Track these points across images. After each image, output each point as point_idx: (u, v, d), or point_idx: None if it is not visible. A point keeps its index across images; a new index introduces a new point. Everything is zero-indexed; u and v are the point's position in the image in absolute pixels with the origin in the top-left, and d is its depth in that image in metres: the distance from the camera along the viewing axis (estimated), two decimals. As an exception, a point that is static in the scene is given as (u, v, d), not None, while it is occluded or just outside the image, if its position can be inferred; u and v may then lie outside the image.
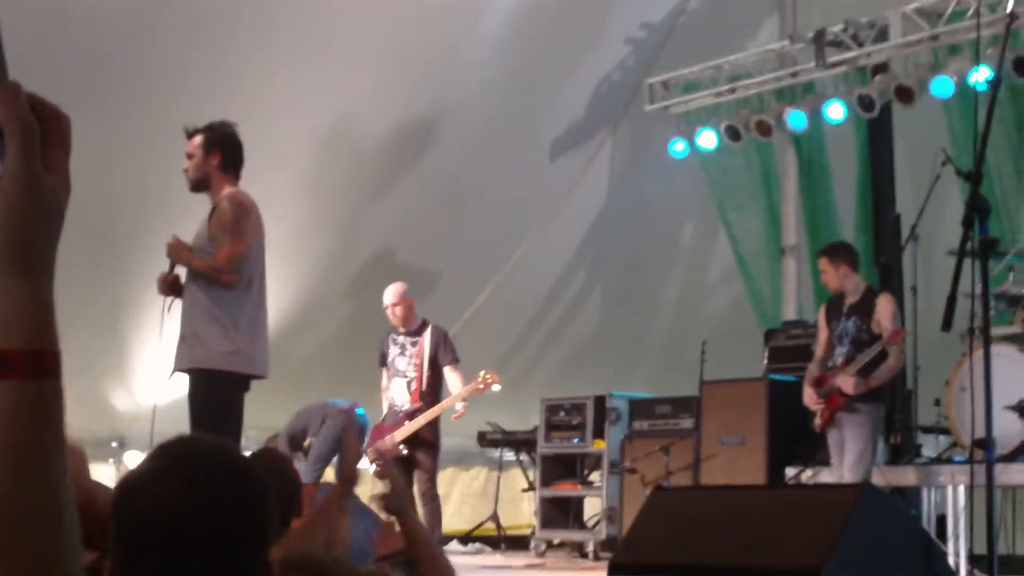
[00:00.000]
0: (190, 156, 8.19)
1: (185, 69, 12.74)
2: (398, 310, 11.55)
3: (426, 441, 11.36)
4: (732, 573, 6.37)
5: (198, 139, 8.19)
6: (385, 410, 11.79)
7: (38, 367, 1.31)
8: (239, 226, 7.94)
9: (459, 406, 11.44)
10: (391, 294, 11.62)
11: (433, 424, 11.38)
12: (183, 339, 8.02)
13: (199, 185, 8.20)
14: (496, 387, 11.63)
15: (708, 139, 15.26)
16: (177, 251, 8.07)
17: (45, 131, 1.36)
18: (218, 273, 7.86)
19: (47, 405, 1.31)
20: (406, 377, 11.54)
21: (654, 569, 6.72)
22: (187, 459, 2.42)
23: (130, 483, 2.42)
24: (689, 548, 6.64)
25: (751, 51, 15.37)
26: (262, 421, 13.47)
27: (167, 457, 2.44)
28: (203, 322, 7.90)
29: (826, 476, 11.08)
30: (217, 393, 7.91)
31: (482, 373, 11.62)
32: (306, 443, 13.01)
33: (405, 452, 11.30)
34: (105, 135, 11.93)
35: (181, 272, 8.22)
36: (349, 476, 4.85)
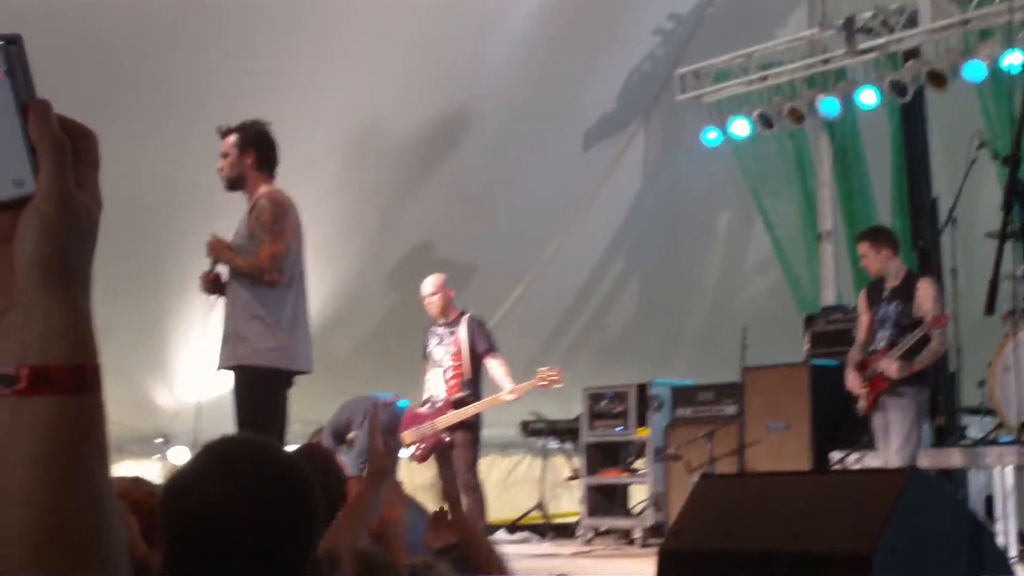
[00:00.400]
0: (224, 155, 8.24)
1: (215, 71, 12.79)
2: (435, 299, 11.55)
3: (466, 427, 11.37)
4: (781, 560, 6.40)
5: (232, 138, 8.22)
6: (424, 401, 11.82)
7: (78, 382, 1.32)
8: (279, 225, 7.98)
9: (508, 396, 11.42)
10: (429, 284, 11.63)
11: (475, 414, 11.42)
12: (227, 338, 8.07)
13: (234, 184, 8.26)
14: (558, 385, 11.64)
15: (741, 127, 15.28)
16: (217, 249, 8.11)
17: (74, 149, 1.37)
18: (261, 272, 7.91)
19: (88, 419, 1.32)
20: (443, 367, 11.54)
21: (703, 556, 6.76)
22: (231, 459, 2.47)
23: (176, 483, 2.47)
24: (737, 535, 6.67)
25: (781, 39, 15.37)
26: (305, 416, 13.55)
27: (212, 457, 2.49)
28: (246, 320, 7.94)
29: (871, 460, 11.10)
30: (261, 390, 7.94)
31: (543, 370, 11.63)
32: (350, 436, 13.06)
33: (448, 439, 11.33)
34: (139, 136, 12.02)
35: (223, 270, 8.27)
36: (377, 467, 4.87)
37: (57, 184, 1.33)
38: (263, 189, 8.13)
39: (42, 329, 1.31)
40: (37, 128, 1.34)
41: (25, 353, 1.31)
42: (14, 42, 1.36)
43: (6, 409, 1.30)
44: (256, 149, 8.21)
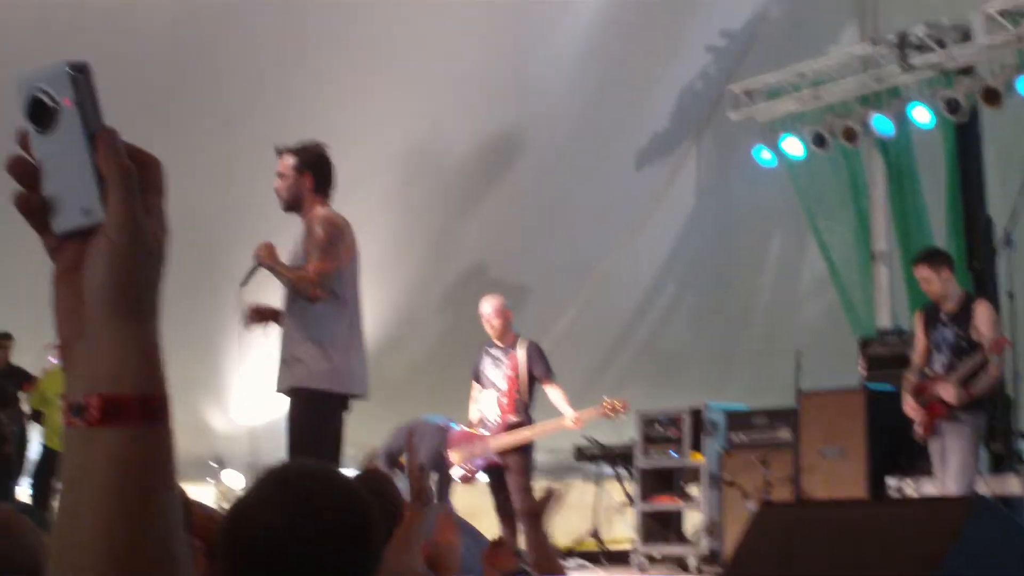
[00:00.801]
0: (281, 176, 8.16)
1: (270, 88, 12.85)
2: (495, 321, 11.56)
3: (519, 451, 11.34)
4: (843, 589, 6.33)
5: (290, 160, 8.16)
6: (473, 420, 11.79)
7: (147, 413, 1.33)
8: (332, 246, 7.95)
9: (571, 423, 11.43)
10: (489, 305, 11.63)
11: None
12: (284, 361, 8.03)
13: (291, 206, 8.18)
14: (623, 416, 11.66)
15: (794, 146, 15.20)
16: (267, 254, 8.01)
17: (141, 177, 1.38)
18: (305, 285, 7.84)
19: (157, 450, 1.33)
20: (498, 390, 11.54)
21: (764, 586, 6.70)
22: (293, 485, 2.46)
23: (238, 509, 2.47)
24: (797, 564, 6.61)
25: (833, 55, 15.27)
26: (359, 438, 13.52)
27: (273, 483, 2.48)
28: (302, 342, 7.90)
29: (928, 486, 10.99)
30: (316, 412, 7.91)
31: (607, 399, 11.62)
32: (403, 460, 13.03)
33: (501, 462, 11.30)
34: (194, 156, 12.07)
35: (275, 293, 8.23)
36: (416, 489, 4.83)
37: (127, 213, 1.34)
38: (320, 211, 8.09)
39: (112, 359, 1.33)
40: (105, 157, 1.35)
41: (95, 383, 1.32)
42: (82, 71, 1.37)
43: (78, 438, 1.32)
44: (314, 172, 8.17)
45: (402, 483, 12.23)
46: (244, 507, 2.46)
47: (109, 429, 1.30)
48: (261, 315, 8.27)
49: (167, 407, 1.35)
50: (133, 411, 1.31)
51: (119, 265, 1.33)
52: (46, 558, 1.34)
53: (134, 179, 1.35)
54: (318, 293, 7.85)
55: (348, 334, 8.05)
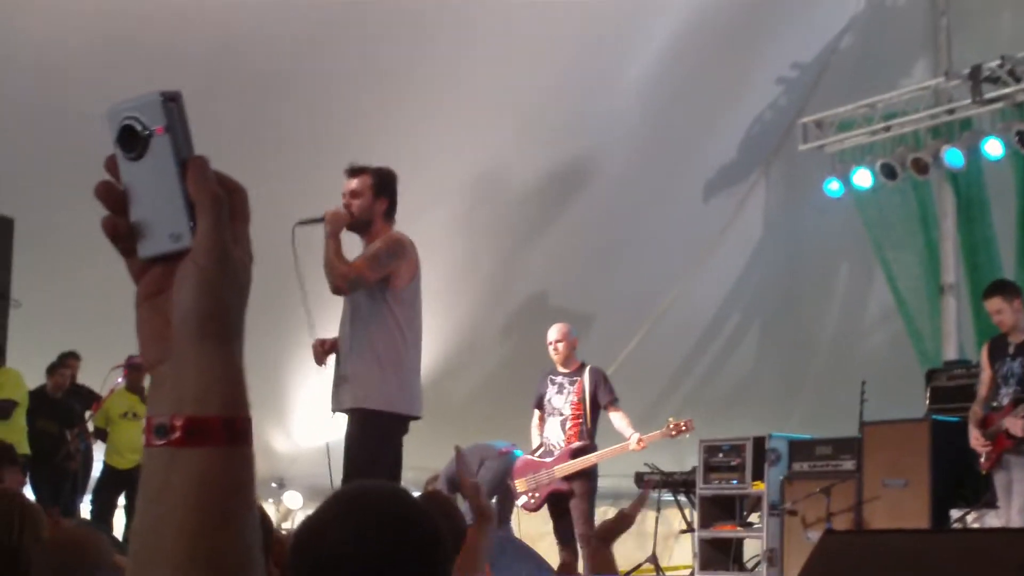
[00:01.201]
0: (356, 195, 8.04)
1: (338, 115, 12.91)
2: (561, 347, 11.55)
3: (584, 476, 11.32)
4: (909, 620, 6.27)
5: (367, 180, 8.04)
6: (535, 446, 11.78)
7: (231, 434, 1.34)
8: (385, 260, 7.82)
9: (635, 445, 11.41)
10: (556, 331, 11.63)
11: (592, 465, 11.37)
12: (343, 379, 7.94)
13: (361, 227, 8.07)
14: (688, 435, 11.64)
15: (863, 178, 15.16)
16: (336, 220, 7.89)
17: (228, 204, 1.39)
18: (339, 272, 7.73)
19: (239, 471, 1.35)
20: (562, 415, 11.52)
21: (828, 615, 6.64)
22: (363, 504, 2.44)
23: (308, 530, 2.45)
24: (863, 594, 6.55)
25: (905, 88, 15.23)
26: (420, 462, 13.54)
27: (344, 503, 2.46)
28: (363, 362, 7.86)
29: (992, 519, 10.88)
30: (376, 433, 7.83)
31: (672, 420, 11.62)
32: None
33: (567, 488, 11.28)
34: (261, 183, 12.14)
35: (336, 314, 8.18)
36: (477, 509, 4.80)
37: (216, 239, 1.36)
38: (388, 232, 8.05)
39: (197, 381, 1.34)
40: (196, 184, 1.37)
41: (180, 404, 1.34)
42: (174, 99, 1.40)
43: (162, 458, 1.33)
44: (389, 198, 8.12)
45: (463, 506, 12.28)
46: (314, 526, 2.45)
47: (192, 449, 1.32)
48: (326, 350, 8.22)
49: (249, 429, 1.37)
50: (217, 432, 1.33)
51: (207, 290, 1.35)
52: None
53: (224, 206, 1.37)
54: (342, 287, 7.77)
55: (407, 355, 8.00)
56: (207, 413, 1.33)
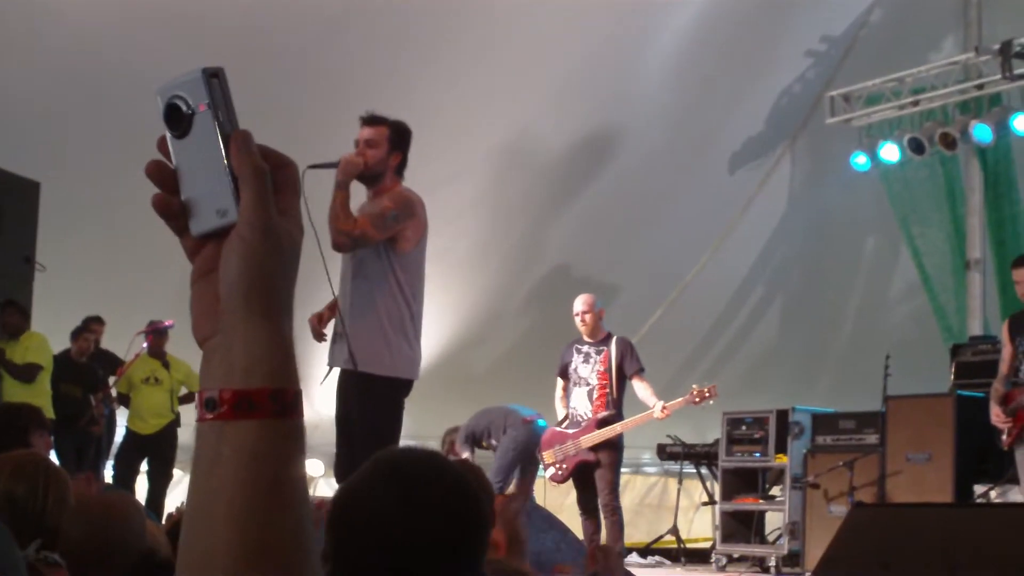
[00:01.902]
0: (371, 145, 7.71)
1: (364, 83, 12.88)
2: (588, 318, 11.51)
3: (610, 447, 11.31)
4: (937, 593, 6.27)
5: (384, 131, 7.72)
6: (560, 417, 11.77)
7: (280, 406, 1.34)
8: (390, 220, 7.44)
9: (659, 413, 11.37)
10: (582, 302, 11.59)
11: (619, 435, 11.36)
12: (341, 336, 7.62)
13: (373, 179, 7.76)
14: (711, 402, 11.62)
15: (891, 152, 15.12)
16: (348, 170, 7.55)
17: (276, 178, 1.40)
18: (341, 226, 7.43)
19: (289, 443, 1.35)
20: (588, 385, 11.49)
21: (855, 587, 6.65)
22: (403, 472, 2.42)
23: (347, 496, 2.43)
24: (891, 567, 6.55)
25: (934, 63, 15.17)
26: (440, 431, 13.60)
27: (383, 469, 2.44)
28: (365, 324, 7.57)
29: (1015, 495, 10.85)
30: (381, 399, 7.61)
31: (696, 386, 11.61)
32: (485, 444, 13.04)
33: (593, 458, 11.27)
34: (282, 143, 12.15)
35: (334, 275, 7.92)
36: (513, 537, 4.70)
37: (259, 212, 1.36)
38: (397, 188, 7.72)
39: (244, 354, 1.35)
40: (238, 157, 1.37)
41: (229, 378, 1.34)
42: (216, 75, 1.40)
43: (213, 432, 1.34)
44: (403, 153, 7.89)
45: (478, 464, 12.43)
46: (355, 492, 2.43)
47: (241, 422, 1.32)
48: (324, 322, 8.02)
49: (299, 401, 1.37)
50: (264, 404, 1.33)
51: (252, 263, 1.35)
52: (153, 540, 1.36)
53: (267, 179, 1.37)
54: (344, 243, 7.48)
55: (410, 319, 7.81)
56: (254, 385, 1.33)
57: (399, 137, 7.79)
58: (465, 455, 12.97)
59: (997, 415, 10.34)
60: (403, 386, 7.74)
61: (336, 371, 7.75)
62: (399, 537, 2.33)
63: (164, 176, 1.42)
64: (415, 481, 2.40)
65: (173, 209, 1.41)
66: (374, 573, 2.35)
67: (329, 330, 7.87)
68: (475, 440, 13.04)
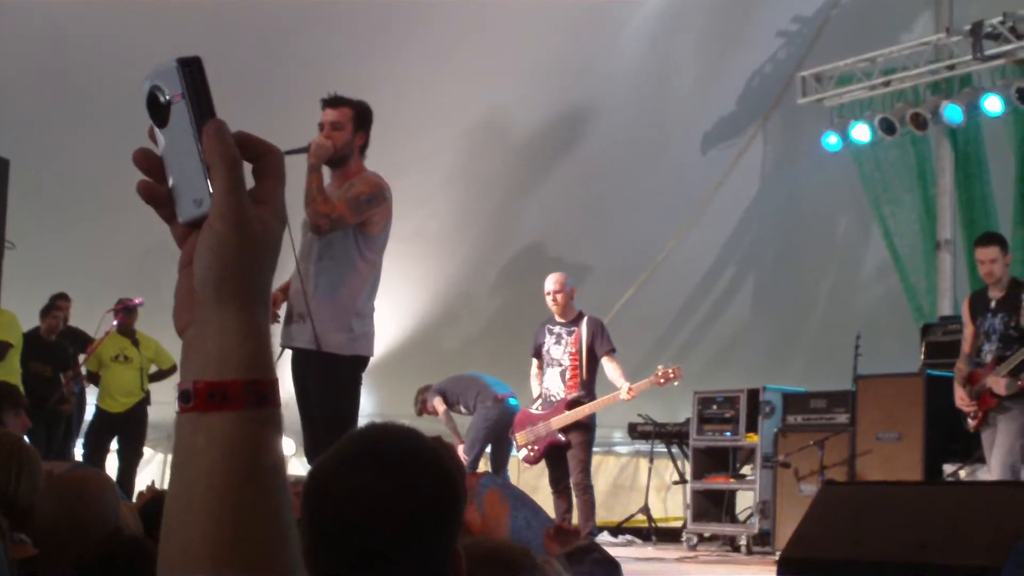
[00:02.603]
0: (337, 126, 7.71)
1: (332, 64, 12.84)
2: (559, 297, 11.49)
3: (581, 427, 11.32)
4: (907, 570, 6.29)
5: (348, 112, 7.73)
6: (535, 398, 11.77)
7: (254, 397, 1.33)
8: (365, 205, 7.60)
9: (625, 394, 11.39)
10: (553, 281, 11.57)
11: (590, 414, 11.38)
12: (300, 316, 7.61)
13: (339, 161, 7.74)
14: (676, 383, 11.64)
15: (862, 132, 15.17)
16: (319, 153, 7.56)
17: (258, 166, 1.40)
18: (320, 209, 7.46)
19: (265, 433, 1.34)
20: (561, 366, 11.50)
21: (826, 564, 6.66)
22: (378, 448, 2.40)
23: (322, 472, 2.42)
24: (862, 544, 6.57)
25: (906, 44, 15.21)
26: (409, 409, 13.61)
27: (359, 445, 2.42)
28: (329, 304, 7.60)
29: (984, 474, 10.89)
30: (346, 378, 7.59)
31: (661, 367, 11.63)
32: (455, 409, 13.29)
33: (564, 439, 11.29)
34: (259, 131, 12.11)
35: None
36: None
37: (229, 202, 1.35)
38: (366, 172, 7.75)
39: (218, 345, 1.34)
40: (209, 147, 1.36)
41: (204, 369, 1.34)
42: (189, 64, 1.39)
43: (189, 424, 1.33)
44: (366, 132, 7.87)
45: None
46: (328, 467, 2.42)
47: (215, 414, 1.32)
48: (276, 305, 7.95)
49: (275, 390, 1.35)
50: (237, 395, 1.32)
51: (221, 253, 1.34)
52: (122, 518, 1.35)
53: (237, 168, 1.36)
54: (323, 226, 7.49)
55: (368, 300, 7.83)
56: (228, 377, 1.33)
57: (362, 118, 7.79)
58: (441, 409, 13.16)
59: (962, 399, 10.37)
60: (361, 363, 7.76)
61: (288, 352, 7.78)
62: (375, 514, 2.32)
63: (151, 164, 1.41)
64: (391, 457, 2.38)
65: (159, 197, 1.40)
66: (349, 549, 2.34)
67: (282, 312, 7.87)
68: (446, 400, 13.21)
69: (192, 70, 1.39)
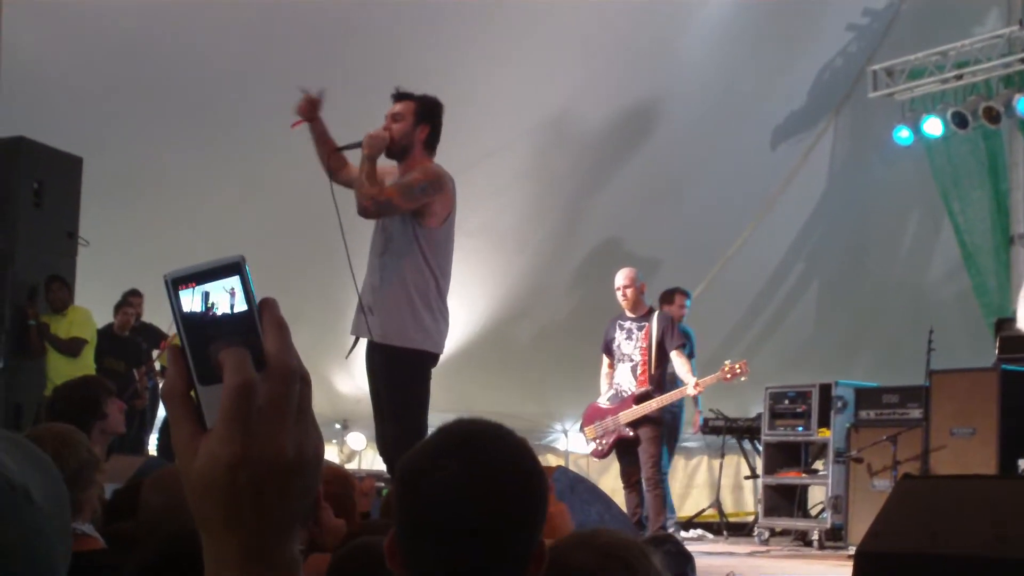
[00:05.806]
0: (398, 117, 7.72)
1: (407, 59, 12.89)
2: (629, 292, 11.50)
3: (651, 422, 11.32)
4: (985, 565, 6.23)
5: (411, 105, 7.73)
6: (604, 393, 11.76)
7: None
8: (418, 192, 7.46)
9: (692, 389, 11.40)
10: (623, 276, 11.57)
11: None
12: (369, 309, 7.62)
13: (400, 153, 7.71)
14: (743, 378, 11.62)
15: (934, 126, 15.08)
16: (373, 144, 7.51)
17: (283, 395, 1.26)
18: (368, 192, 7.43)
19: None
20: (632, 361, 11.50)
21: (904, 558, 6.62)
22: (469, 442, 2.43)
23: (413, 465, 2.44)
24: (939, 538, 6.51)
25: (978, 37, 15.12)
26: (488, 407, 13.61)
27: (450, 439, 2.45)
28: (393, 298, 7.58)
29: (1059, 470, 10.83)
30: (409, 371, 7.57)
31: (728, 363, 11.61)
32: None
33: (631, 434, 11.28)
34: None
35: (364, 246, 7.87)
36: None
37: (231, 431, 1.23)
38: (426, 163, 7.70)
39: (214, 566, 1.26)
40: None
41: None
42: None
43: None
44: (431, 125, 7.83)
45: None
46: (420, 461, 2.45)
47: None
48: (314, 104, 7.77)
49: None
50: None
51: (216, 479, 1.24)
52: None
53: (247, 398, 1.24)
54: (369, 207, 7.48)
55: (437, 296, 7.81)
56: None
57: (426, 110, 7.77)
58: None
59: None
60: (428, 359, 7.74)
61: (363, 343, 7.82)
62: (463, 506, 2.35)
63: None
64: (479, 451, 2.42)
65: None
66: (439, 539, 2.37)
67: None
68: None
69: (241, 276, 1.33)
